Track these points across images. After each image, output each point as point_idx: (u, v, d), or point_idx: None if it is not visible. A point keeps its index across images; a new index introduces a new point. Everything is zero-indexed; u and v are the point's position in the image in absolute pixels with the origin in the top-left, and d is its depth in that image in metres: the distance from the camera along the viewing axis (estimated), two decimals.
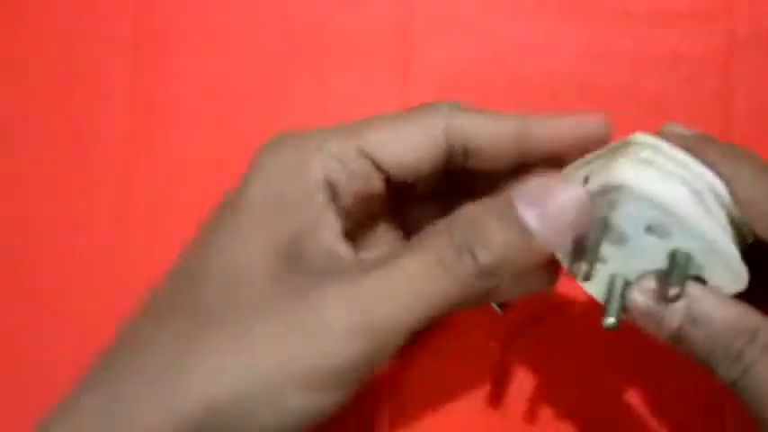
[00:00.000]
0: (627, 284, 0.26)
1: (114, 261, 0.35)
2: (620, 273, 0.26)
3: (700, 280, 0.25)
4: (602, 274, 0.26)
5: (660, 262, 0.25)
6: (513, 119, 0.27)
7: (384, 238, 0.30)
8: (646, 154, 0.25)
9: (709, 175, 0.25)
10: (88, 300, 0.35)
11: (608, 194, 0.24)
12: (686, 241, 0.24)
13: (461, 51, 0.36)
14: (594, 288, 0.27)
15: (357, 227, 0.28)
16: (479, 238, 0.24)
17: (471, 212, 0.25)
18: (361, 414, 0.34)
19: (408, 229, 0.30)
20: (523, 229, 0.24)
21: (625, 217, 0.25)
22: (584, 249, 0.25)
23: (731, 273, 0.25)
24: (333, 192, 0.26)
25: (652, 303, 0.25)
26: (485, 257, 0.24)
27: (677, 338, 0.25)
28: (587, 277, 0.25)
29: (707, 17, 0.36)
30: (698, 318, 0.25)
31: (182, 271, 0.27)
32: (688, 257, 0.25)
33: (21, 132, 0.36)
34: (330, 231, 0.26)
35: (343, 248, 0.26)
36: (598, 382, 0.34)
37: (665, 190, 0.24)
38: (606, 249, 0.26)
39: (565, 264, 0.27)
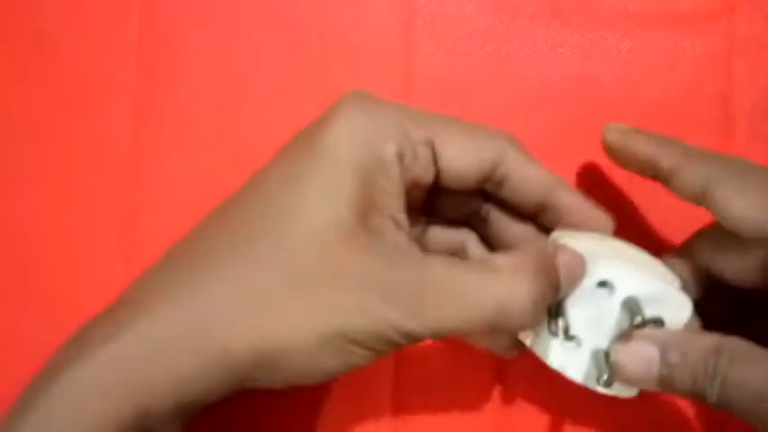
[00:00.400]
0: (606, 354, 0.29)
1: (119, 263, 0.35)
2: (596, 347, 0.30)
3: (657, 321, 0.29)
4: (582, 356, 0.30)
5: (617, 318, 0.29)
6: (549, 179, 0.30)
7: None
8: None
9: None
10: (93, 303, 0.33)
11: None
12: (630, 289, 0.29)
13: (462, 53, 0.36)
14: (578, 371, 0.30)
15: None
16: None
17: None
18: (364, 415, 0.35)
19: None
20: None
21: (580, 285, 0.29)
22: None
23: (675, 301, 0.29)
24: (401, 168, 0.28)
25: (632, 347, 0.28)
26: None
27: (666, 382, 0.28)
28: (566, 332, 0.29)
29: (708, 18, 0.36)
30: (672, 355, 0.28)
31: (253, 210, 0.28)
32: (637, 300, 0.29)
33: (25, 135, 0.36)
34: (398, 206, 0.28)
35: (406, 227, 0.28)
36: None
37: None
38: (576, 330, 0.29)
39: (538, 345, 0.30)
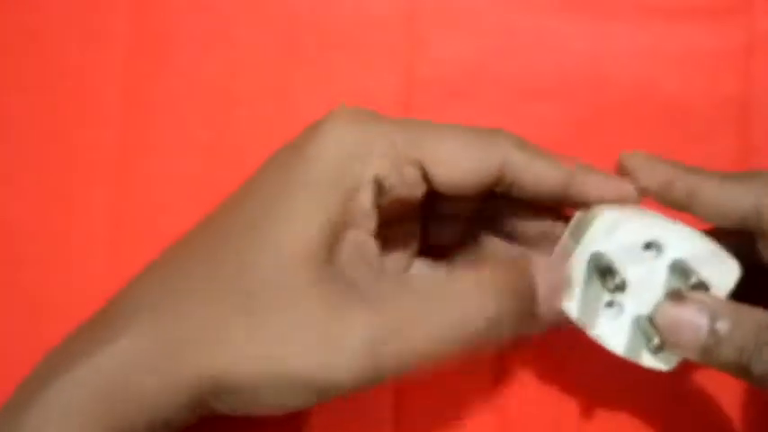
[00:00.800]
0: (650, 320, 0.29)
1: (111, 261, 0.35)
2: (639, 314, 0.29)
3: (702, 285, 0.28)
4: (623, 324, 0.29)
5: (664, 282, 0.28)
6: (563, 175, 0.29)
7: (403, 237, 0.31)
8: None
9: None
10: (84, 300, 0.33)
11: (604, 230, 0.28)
12: (679, 250, 0.28)
13: (468, 47, 0.35)
14: (619, 340, 0.29)
15: (384, 224, 0.29)
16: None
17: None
18: (365, 417, 0.34)
19: (426, 227, 0.32)
20: None
21: (622, 246, 0.28)
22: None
23: (724, 265, 0.28)
24: (379, 189, 0.27)
25: (682, 310, 0.28)
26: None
27: (709, 352, 0.27)
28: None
29: (726, 12, 0.35)
30: (722, 324, 0.27)
31: (225, 230, 0.27)
32: (685, 263, 0.28)
33: (15, 132, 0.35)
34: (366, 231, 0.27)
35: (374, 253, 0.28)
36: (597, 387, 0.34)
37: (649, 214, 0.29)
38: (618, 298, 0.29)
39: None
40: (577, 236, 0.29)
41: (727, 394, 0.34)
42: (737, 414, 0.34)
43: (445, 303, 0.26)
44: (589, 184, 0.29)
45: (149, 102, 0.35)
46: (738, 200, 0.28)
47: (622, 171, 0.30)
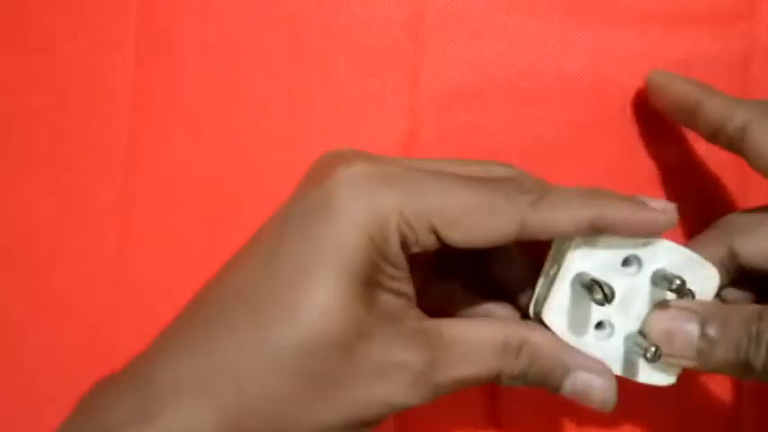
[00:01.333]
0: (641, 333, 0.29)
1: (117, 261, 0.35)
2: (629, 331, 0.29)
3: (685, 286, 0.28)
4: (616, 344, 0.29)
5: (648, 295, 0.29)
6: (587, 210, 0.27)
7: (419, 269, 0.31)
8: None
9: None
10: (91, 300, 0.35)
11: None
12: (658, 261, 0.28)
13: (472, 51, 0.35)
14: (615, 360, 0.29)
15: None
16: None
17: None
18: None
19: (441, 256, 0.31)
20: None
21: (602, 265, 0.28)
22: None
23: (704, 271, 0.29)
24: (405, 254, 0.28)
25: (670, 319, 0.28)
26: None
27: (706, 356, 0.28)
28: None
29: (726, 18, 0.35)
30: (712, 326, 0.28)
31: (261, 302, 0.27)
32: (666, 272, 0.28)
33: (22, 132, 0.35)
34: (406, 287, 0.28)
35: (413, 300, 0.28)
36: None
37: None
38: (607, 316, 0.29)
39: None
40: (559, 260, 0.29)
41: (726, 404, 0.35)
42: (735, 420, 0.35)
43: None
44: (620, 215, 0.28)
45: (158, 103, 0.35)
46: (735, 122, 0.30)
47: (650, 89, 0.33)
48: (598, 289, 0.27)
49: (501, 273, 0.32)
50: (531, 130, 0.34)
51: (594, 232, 0.28)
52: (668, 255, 0.28)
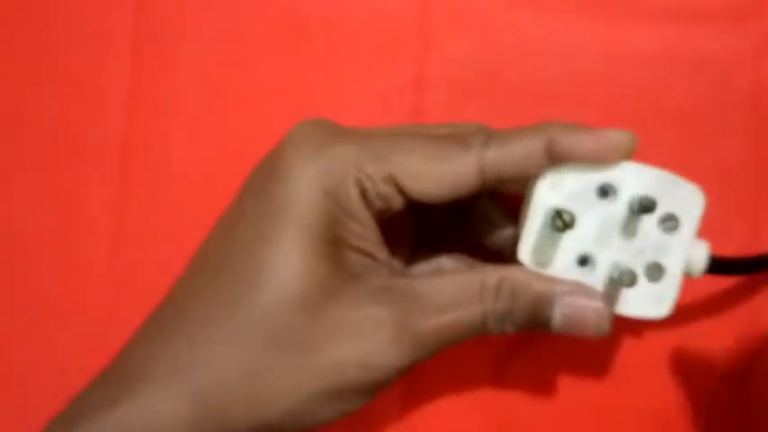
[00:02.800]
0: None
1: (113, 261, 0.35)
2: (612, 264, 0.28)
3: (671, 218, 0.27)
4: (599, 278, 0.28)
5: (628, 222, 0.27)
6: (539, 137, 0.27)
7: (401, 242, 0.31)
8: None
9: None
10: (86, 301, 0.34)
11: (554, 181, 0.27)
12: (635, 185, 0.27)
13: (480, 47, 0.35)
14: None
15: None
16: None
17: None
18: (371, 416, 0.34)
19: (423, 226, 0.32)
20: None
21: (573, 196, 0.27)
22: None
23: (686, 191, 0.27)
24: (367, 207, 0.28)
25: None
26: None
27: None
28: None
29: (738, 17, 0.35)
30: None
31: (226, 276, 0.27)
32: (646, 198, 0.27)
33: (18, 132, 0.35)
34: (372, 242, 0.28)
35: (385, 256, 0.28)
36: (596, 387, 0.34)
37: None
38: (586, 250, 0.28)
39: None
40: (528, 199, 0.28)
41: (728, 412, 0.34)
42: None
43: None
44: (572, 138, 0.27)
45: (155, 99, 0.35)
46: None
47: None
48: (557, 216, 0.26)
49: (486, 240, 0.31)
50: None
51: (554, 161, 0.27)
52: (645, 176, 0.27)
